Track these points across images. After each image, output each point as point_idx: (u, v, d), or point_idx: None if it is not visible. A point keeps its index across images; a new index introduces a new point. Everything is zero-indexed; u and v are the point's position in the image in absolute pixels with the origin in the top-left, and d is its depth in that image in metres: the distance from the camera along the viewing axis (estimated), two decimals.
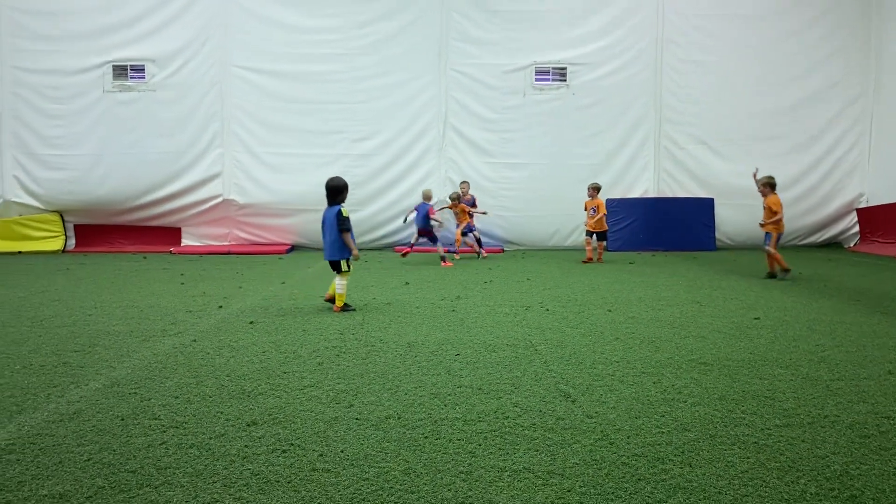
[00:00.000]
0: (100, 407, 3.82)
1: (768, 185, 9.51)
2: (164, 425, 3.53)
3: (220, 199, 14.73)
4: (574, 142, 14.78)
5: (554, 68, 14.74)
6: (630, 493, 2.82)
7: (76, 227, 15.12)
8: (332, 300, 7.10)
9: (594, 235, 12.28)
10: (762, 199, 9.62)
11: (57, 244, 14.85)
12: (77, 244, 15.07)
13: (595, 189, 12.32)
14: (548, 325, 6.18)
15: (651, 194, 14.94)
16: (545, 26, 14.71)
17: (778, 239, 9.54)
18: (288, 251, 14.52)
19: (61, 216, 14.99)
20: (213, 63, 14.54)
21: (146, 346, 5.41)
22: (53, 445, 3.24)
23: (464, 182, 13.95)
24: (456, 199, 13.10)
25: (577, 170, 14.72)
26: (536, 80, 14.72)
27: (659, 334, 5.80)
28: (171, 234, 15.07)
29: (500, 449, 3.26)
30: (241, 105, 14.60)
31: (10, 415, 3.70)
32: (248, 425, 3.54)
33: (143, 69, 14.56)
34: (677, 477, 2.97)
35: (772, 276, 9.67)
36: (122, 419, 3.61)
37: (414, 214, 12.42)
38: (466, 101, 14.71)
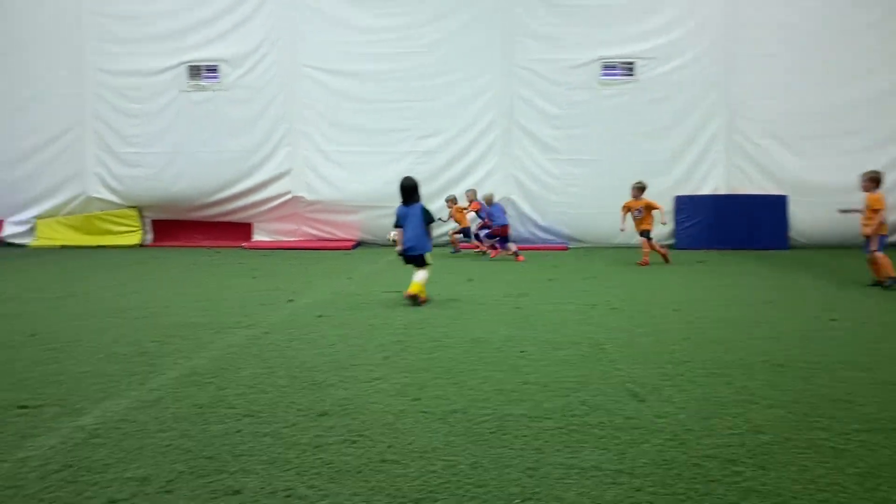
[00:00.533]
0: (178, 395, 3.97)
1: (872, 181, 8.43)
2: (239, 414, 3.64)
3: (289, 196, 15.06)
4: (641, 137, 14.51)
5: (621, 63, 14.50)
6: (701, 495, 2.77)
7: (154, 222, 15.69)
8: (413, 297, 7.11)
9: (644, 235, 11.29)
10: (863, 195, 8.50)
11: (135, 238, 15.45)
12: (154, 239, 15.64)
13: (639, 189, 11.40)
14: (614, 324, 6.11)
15: (722, 191, 14.55)
16: (612, 20, 14.49)
17: (881, 241, 8.40)
18: (354, 247, 14.74)
19: (139, 212, 15.59)
20: (283, 63, 14.86)
21: (221, 337, 5.59)
22: (136, 431, 3.38)
23: (469, 190, 13.65)
24: (452, 200, 13.19)
25: (645, 166, 14.45)
26: (603, 74, 14.51)
27: (729, 335, 5.66)
28: (243, 230, 15.50)
29: (566, 446, 3.24)
30: (309, 104, 14.88)
31: (95, 401, 3.88)
32: (319, 416, 3.62)
33: (217, 69, 15.00)
34: (750, 480, 2.90)
35: (878, 283, 8.37)
36: (200, 407, 3.75)
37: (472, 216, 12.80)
38: (531, 98, 14.62)
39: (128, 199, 15.43)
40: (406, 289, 7.31)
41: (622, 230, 11.83)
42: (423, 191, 14.19)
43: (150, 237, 15.67)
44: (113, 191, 15.40)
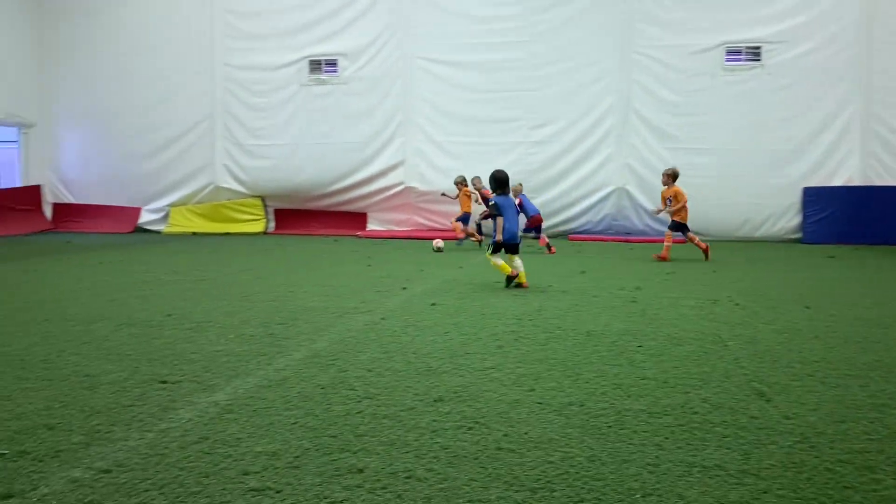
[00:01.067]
0: (303, 376, 4.15)
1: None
2: (359, 396, 3.77)
3: (401, 187, 15.37)
4: (768, 126, 13.79)
5: (747, 48, 13.81)
6: (835, 501, 2.62)
7: (276, 211, 16.44)
8: (520, 283, 7.57)
9: (678, 228, 10.60)
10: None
11: (259, 227, 16.24)
12: (276, 227, 16.38)
13: (671, 176, 10.63)
14: (737, 320, 5.85)
15: (855, 182, 13.61)
16: (736, 3, 13.82)
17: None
18: (465, 238, 14.84)
19: (263, 201, 16.37)
20: (399, 55, 15.14)
21: (341, 321, 5.79)
22: (264, 408, 3.57)
23: (476, 177, 13.03)
24: (461, 183, 12.86)
25: (770, 156, 13.74)
26: (727, 60, 13.88)
27: (865, 334, 5.30)
28: (359, 219, 15.96)
29: (688, 444, 3.15)
30: (423, 95, 15.10)
31: (227, 378, 4.12)
32: (436, 401, 3.69)
33: (336, 63, 15.48)
34: (891, 489, 2.72)
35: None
36: (323, 388, 3.90)
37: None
38: (649, 85, 14.20)
39: (252, 189, 16.22)
40: (504, 279, 7.67)
41: (657, 212, 11.25)
42: (535, 181, 14.33)
43: (272, 225, 16.42)
44: (239, 181, 16.24)
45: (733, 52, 13.86)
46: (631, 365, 4.45)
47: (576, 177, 14.60)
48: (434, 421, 3.40)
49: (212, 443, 3.10)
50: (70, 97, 17.14)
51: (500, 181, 7.58)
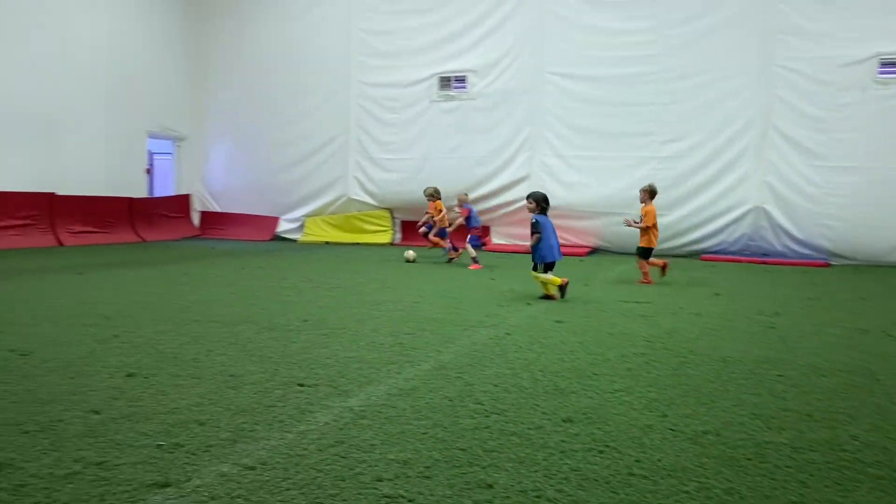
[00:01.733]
0: (431, 386, 4.22)
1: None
2: (487, 410, 3.79)
3: (525, 201, 15.32)
4: None
5: None
6: None
7: (403, 222, 16.85)
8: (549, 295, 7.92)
9: (641, 251, 9.70)
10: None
11: (386, 237, 16.70)
12: (402, 238, 16.79)
13: (647, 192, 9.63)
14: (892, 353, 5.41)
15: None
16: (892, 9, 12.84)
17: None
18: (588, 254, 14.61)
19: (391, 213, 16.83)
20: (527, 71, 15.17)
21: (465, 334, 5.85)
22: (395, 416, 3.65)
23: (463, 194, 12.76)
24: (433, 196, 12.06)
25: None
26: (880, 72, 12.91)
27: None
28: (482, 233, 16.05)
29: (836, 483, 2.94)
30: (551, 110, 15.04)
31: (360, 384, 4.25)
32: (564, 421, 3.64)
33: (465, 79, 15.72)
34: None
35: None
36: (451, 400, 3.95)
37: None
38: (792, 99, 13.44)
39: (382, 201, 16.73)
40: (555, 291, 7.95)
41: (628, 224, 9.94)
42: (667, 198, 13.89)
43: (398, 236, 16.84)
44: (369, 193, 16.79)
45: (888, 64, 12.87)
46: (771, 395, 4.21)
47: (710, 194, 14.03)
48: (563, 441, 3.36)
49: (347, 447, 3.21)
50: (218, 113, 18.39)
51: (545, 201, 8.02)
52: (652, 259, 9.81)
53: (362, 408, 3.78)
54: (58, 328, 5.72)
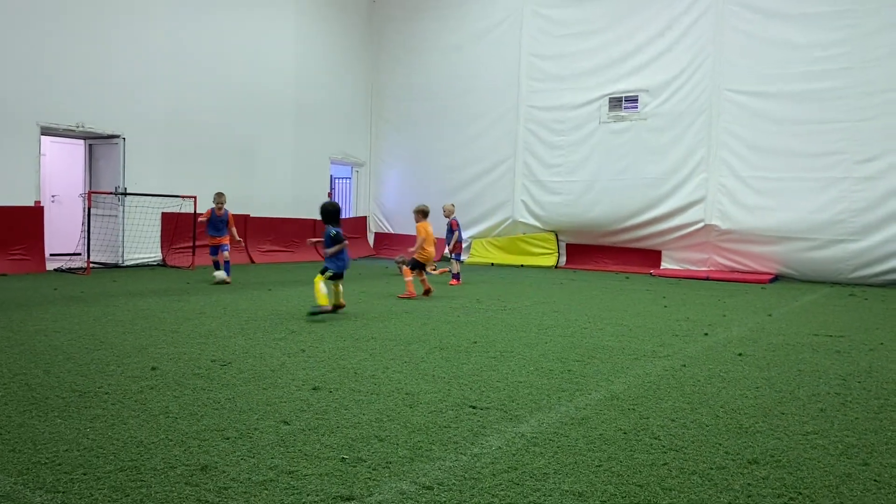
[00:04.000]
0: (603, 417, 4.11)
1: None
2: (664, 446, 3.63)
3: (700, 225, 14.65)
4: None
5: None
6: None
7: (568, 245, 16.68)
8: (338, 306, 7.90)
9: (415, 266, 10.09)
10: None
11: (551, 260, 16.60)
12: (567, 261, 16.61)
13: (419, 213, 10.27)
14: None
15: None
16: None
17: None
18: (771, 281, 13.65)
19: (556, 236, 16.72)
20: (704, 89, 14.55)
21: (638, 364, 5.66)
22: (568, 446, 3.59)
23: (450, 205, 12.23)
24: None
25: None
26: None
27: None
28: (652, 257, 15.54)
29: None
30: (730, 129, 14.29)
31: (531, 410, 4.23)
32: (750, 463, 3.41)
33: (637, 99, 15.34)
34: None
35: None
36: (625, 433, 3.83)
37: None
38: None
39: (547, 223, 16.67)
40: (326, 304, 7.69)
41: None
42: (860, 222, 12.70)
43: (563, 259, 16.68)
44: (535, 216, 16.80)
45: None
46: None
47: None
48: (749, 485, 3.14)
49: (520, 474, 3.20)
50: (392, 139, 19.27)
51: (331, 213, 8.10)
52: (410, 279, 9.86)
53: (534, 434, 3.75)
54: (251, 341, 6.22)
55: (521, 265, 16.60)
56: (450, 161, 18.02)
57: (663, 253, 15.43)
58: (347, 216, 20.03)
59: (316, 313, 7.51)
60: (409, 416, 4.04)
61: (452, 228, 12.18)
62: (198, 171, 14.72)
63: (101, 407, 4.04)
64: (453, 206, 12.53)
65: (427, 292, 9.87)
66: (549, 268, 16.35)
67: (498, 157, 17.27)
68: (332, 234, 7.99)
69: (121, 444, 3.44)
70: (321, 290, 7.62)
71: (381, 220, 19.76)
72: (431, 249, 10.03)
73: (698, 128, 14.63)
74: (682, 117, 14.79)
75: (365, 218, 19.77)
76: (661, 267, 15.32)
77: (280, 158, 16.98)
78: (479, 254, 17.53)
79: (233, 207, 15.81)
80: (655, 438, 3.75)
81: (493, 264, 16.91)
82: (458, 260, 12.20)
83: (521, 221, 17.06)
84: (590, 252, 16.41)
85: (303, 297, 9.52)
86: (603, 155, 15.78)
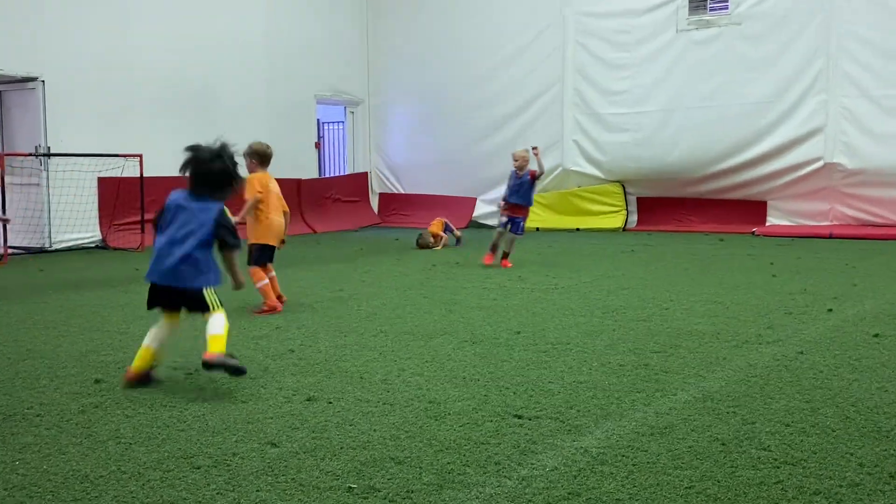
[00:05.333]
0: (693, 424, 4.12)
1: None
2: (776, 459, 3.63)
3: (819, 164, 14.54)
4: None
5: None
6: None
7: (640, 200, 16.61)
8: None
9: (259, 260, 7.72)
10: None
11: (617, 221, 16.55)
12: (639, 221, 16.57)
13: (253, 155, 8.10)
14: None
15: None
16: None
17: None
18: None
19: (623, 188, 16.64)
20: None
21: (739, 353, 5.65)
22: (647, 463, 3.61)
23: (524, 151, 11.00)
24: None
25: None
26: None
27: None
28: (754, 211, 15.45)
29: None
30: (856, 32, 14.05)
31: (595, 419, 4.25)
32: (892, 477, 3.40)
33: None
34: None
35: None
36: (723, 443, 3.84)
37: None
38: None
39: (610, 172, 16.61)
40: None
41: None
42: None
43: (633, 219, 16.65)
44: (593, 162, 16.74)
45: None
46: None
47: None
48: None
49: (584, 501, 3.23)
50: (399, 70, 19.22)
51: (204, 169, 5.06)
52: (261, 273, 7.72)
53: (601, 450, 3.78)
54: None
55: (577, 228, 16.57)
56: (475, 94, 17.95)
57: (769, 205, 15.35)
58: (342, 173, 20.10)
59: (220, 367, 4.85)
60: (434, 430, 4.08)
61: (532, 179, 10.91)
62: (142, 123, 14.84)
63: (31, 433, 4.13)
64: (527, 151, 11.15)
65: (278, 299, 7.85)
66: (614, 230, 16.31)
67: (539, 85, 17.16)
68: (218, 220, 5.05)
69: (60, 479, 3.52)
70: (217, 329, 4.96)
71: (386, 178, 19.82)
72: (280, 219, 7.95)
73: (812, 32, 14.40)
74: (789, 18, 14.56)
75: (366, 175, 19.84)
76: (767, 224, 15.23)
77: (248, 100, 17.02)
78: None
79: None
80: (765, 450, 3.76)
81: (538, 229, 16.89)
82: (518, 232, 10.96)
83: (574, 171, 16.99)
84: (669, 207, 16.32)
85: (291, 281, 9.61)
86: (683, 75, 15.62)
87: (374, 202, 19.95)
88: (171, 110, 15.42)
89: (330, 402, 4.58)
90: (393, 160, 19.65)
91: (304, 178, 18.06)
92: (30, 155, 13.54)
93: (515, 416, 4.30)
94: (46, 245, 13.79)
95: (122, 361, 5.60)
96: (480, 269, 10.61)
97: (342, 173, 20.31)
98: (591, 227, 16.55)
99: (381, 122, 19.72)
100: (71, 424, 4.26)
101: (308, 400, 4.63)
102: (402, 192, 19.54)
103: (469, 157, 18.09)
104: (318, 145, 19.14)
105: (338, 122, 20.58)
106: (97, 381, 5.09)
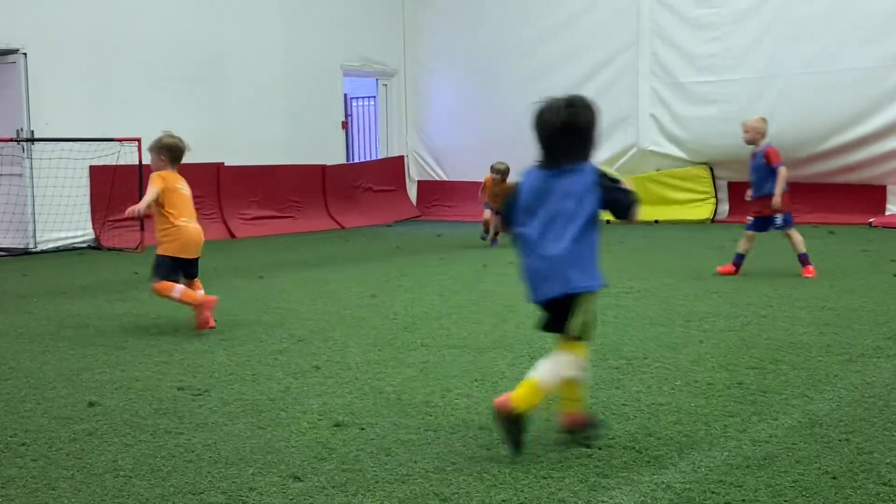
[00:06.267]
0: (798, 455, 4.09)
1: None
2: None
3: None
4: None
5: None
6: None
7: (731, 185, 16.46)
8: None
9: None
10: None
11: (705, 211, 16.46)
12: (731, 211, 16.43)
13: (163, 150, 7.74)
14: None
15: None
16: None
17: None
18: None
19: (712, 171, 16.51)
20: None
21: (852, 368, 5.61)
22: (742, 501, 3.59)
23: (759, 119, 10.33)
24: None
25: None
26: None
27: None
28: (870, 197, 15.30)
29: None
30: None
31: (678, 447, 4.23)
32: None
33: None
34: None
35: None
36: (834, 477, 3.80)
37: None
38: None
39: (695, 152, 16.52)
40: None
41: None
42: None
43: (724, 208, 16.51)
44: (675, 140, 16.65)
45: None
46: None
47: None
48: None
49: None
50: (438, 30, 19.25)
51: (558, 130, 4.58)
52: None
53: (686, 485, 3.76)
54: (236, 356, 6.36)
55: (655, 220, 16.47)
56: (532, 61, 17.94)
57: (889, 190, 15.14)
58: (373, 158, 20.17)
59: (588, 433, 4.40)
60: (486, 462, 4.08)
61: (771, 163, 9.98)
62: (140, 101, 15.01)
63: (15, 465, 4.20)
64: (764, 120, 10.47)
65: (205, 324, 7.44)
66: (701, 222, 16.23)
67: (609, 48, 17.11)
68: (600, 182, 4.50)
69: None
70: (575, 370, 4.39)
71: (426, 162, 19.87)
72: (196, 225, 7.71)
73: None
74: None
75: (401, 159, 19.92)
76: (886, 213, 15.07)
77: (264, 75, 17.16)
78: None
79: (199, 151, 16.02)
80: (885, 484, 3.72)
81: (608, 221, 16.75)
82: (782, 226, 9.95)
83: (651, 151, 16.92)
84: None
85: (315, 286, 9.68)
86: (782, 35, 15.46)
87: (412, 192, 20.00)
88: (174, 86, 15.60)
89: (362, 429, 4.61)
90: (434, 142, 19.68)
91: (328, 163, 18.17)
92: (10, 140, 13.75)
93: (583, 444, 4.29)
94: (30, 245, 14.00)
95: (118, 381, 5.69)
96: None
97: (374, 158, 20.38)
98: (673, 219, 16.48)
99: (419, 97, 19.76)
100: (61, 455, 4.33)
101: (336, 425, 4.66)
102: (445, 179, 19.57)
103: (524, 137, 17.88)
104: (344, 125, 19.24)
105: (368, 98, 20.68)
106: (91, 405, 5.17)
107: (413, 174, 20.04)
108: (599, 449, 4.23)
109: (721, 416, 4.70)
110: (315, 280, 10.12)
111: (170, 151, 7.71)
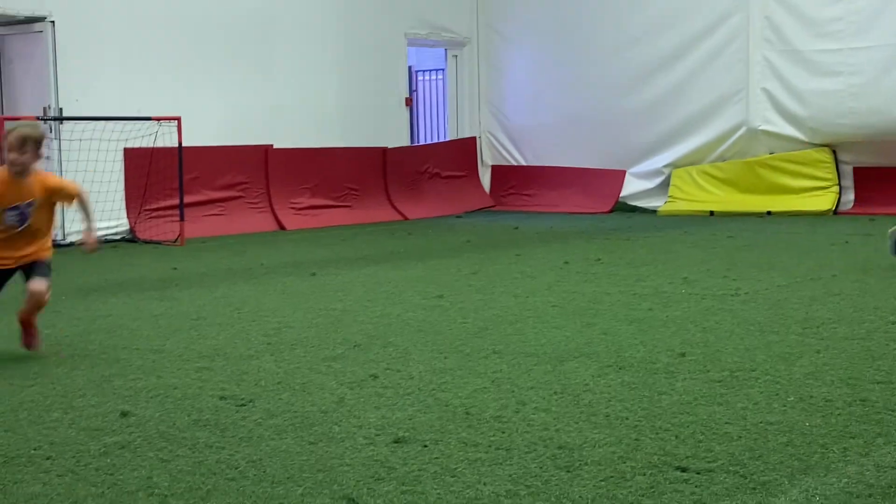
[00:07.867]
0: None
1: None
2: None
3: None
4: None
5: None
6: None
7: (856, 171, 16.21)
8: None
9: None
10: None
11: (825, 201, 16.23)
12: (857, 201, 16.18)
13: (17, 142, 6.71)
14: None
15: None
16: None
17: None
18: None
19: (834, 155, 16.27)
20: None
21: None
22: None
23: None
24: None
25: None
26: None
27: None
28: None
29: None
30: None
31: (791, 473, 4.19)
32: None
33: None
34: None
35: None
36: None
37: None
38: None
39: (815, 132, 16.30)
40: None
41: None
42: None
43: (849, 198, 16.24)
44: (791, 119, 16.45)
45: None
46: None
47: None
48: None
49: None
50: (517, 1, 19.18)
51: None
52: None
53: None
54: (285, 363, 6.43)
55: (768, 212, 16.32)
56: (623, 30, 17.88)
57: None
58: (441, 139, 20.18)
59: None
60: (565, 485, 4.09)
61: None
62: (180, 76, 15.20)
63: (40, 481, 4.29)
64: None
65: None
66: (822, 214, 15.99)
67: (713, 13, 16.98)
68: None
69: None
70: None
71: (501, 145, 19.85)
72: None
73: None
74: None
75: (473, 141, 19.91)
76: None
77: (316, 46, 17.25)
78: (683, 194, 17.34)
79: (244, 132, 16.18)
80: None
81: (712, 213, 16.68)
82: None
83: (764, 131, 16.73)
84: None
85: (375, 285, 9.74)
86: None
87: (486, 178, 20.00)
88: (217, 59, 15.76)
89: (425, 446, 4.64)
90: (511, 121, 19.67)
91: (389, 146, 18.21)
92: (36, 119, 13.94)
93: (678, 468, 4.27)
94: (58, 237, 14.23)
95: (154, 388, 5.79)
96: (629, 268, 10.54)
97: (441, 139, 20.41)
98: (789, 210, 16.29)
99: (494, 70, 19.76)
100: (90, 470, 4.41)
101: (396, 441, 4.70)
102: (523, 164, 19.54)
103: (614, 116, 17.97)
104: (409, 102, 19.30)
105: (436, 71, 20.72)
106: (124, 415, 5.27)
107: (487, 158, 20.03)
108: (697, 473, 4.21)
109: (840, 438, 4.64)
110: (374, 278, 10.17)
111: (36, 142, 6.91)
